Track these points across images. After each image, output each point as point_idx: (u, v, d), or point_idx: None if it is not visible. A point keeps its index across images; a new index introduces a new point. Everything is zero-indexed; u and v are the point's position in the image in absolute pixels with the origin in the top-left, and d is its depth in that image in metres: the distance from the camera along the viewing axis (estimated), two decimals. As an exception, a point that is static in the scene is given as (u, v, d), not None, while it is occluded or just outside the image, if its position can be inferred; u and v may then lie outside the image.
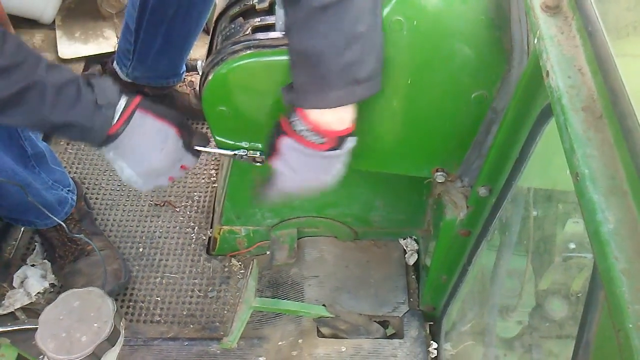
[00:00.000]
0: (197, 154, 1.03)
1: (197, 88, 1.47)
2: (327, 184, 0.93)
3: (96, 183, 1.66)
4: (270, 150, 0.92)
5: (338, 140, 0.86)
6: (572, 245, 1.04)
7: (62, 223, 1.29)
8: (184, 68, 1.71)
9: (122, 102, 0.93)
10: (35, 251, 1.47)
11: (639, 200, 0.51)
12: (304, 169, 0.90)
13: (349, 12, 0.78)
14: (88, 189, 1.63)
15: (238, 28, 1.06)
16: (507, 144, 0.86)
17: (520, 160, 0.85)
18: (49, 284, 1.41)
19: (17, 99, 0.85)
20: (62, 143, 1.74)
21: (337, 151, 0.88)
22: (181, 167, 1.01)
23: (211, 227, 1.57)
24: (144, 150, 0.96)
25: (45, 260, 1.45)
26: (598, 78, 0.62)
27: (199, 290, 1.45)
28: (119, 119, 0.93)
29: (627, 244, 0.50)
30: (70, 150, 1.73)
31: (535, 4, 0.72)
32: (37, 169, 1.29)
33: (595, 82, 0.62)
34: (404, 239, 1.51)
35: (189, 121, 1.05)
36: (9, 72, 0.84)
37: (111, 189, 1.65)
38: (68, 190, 1.40)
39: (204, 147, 1.03)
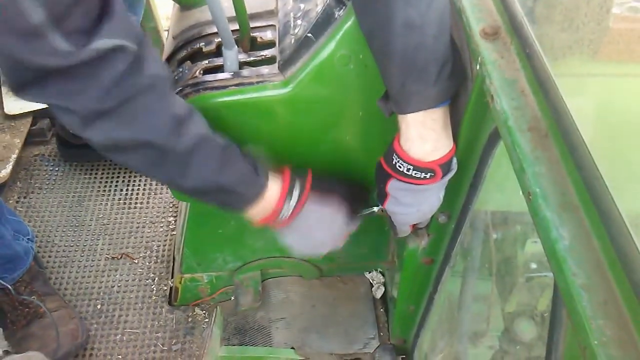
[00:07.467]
0: (360, 218, 1.04)
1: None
2: (438, 205, 0.93)
3: (48, 240, 1.59)
4: (381, 197, 0.91)
5: (443, 169, 0.83)
6: (534, 265, 1.04)
7: (9, 286, 1.22)
8: None
9: (296, 192, 0.93)
10: (-14, 318, 1.39)
11: (591, 214, 0.52)
12: (417, 203, 0.89)
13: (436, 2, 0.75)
14: (40, 247, 1.56)
15: (186, 71, 1.05)
16: (461, 169, 0.87)
17: (474, 184, 0.86)
18: (3, 351, 1.32)
19: (189, 156, 0.81)
20: (10, 200, 1.68)
21: (444, 179, 0.85)
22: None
23: (172, 277, 1.52)
24: (313, 235, 0.99)
25: (-3, 327, 1.37)
26: (540, 98, 0.63)
27: (162, 344, 1.39)
28: (292, 211, 0.92)
29: (584, 258, 0.50)
30: (20, 209, 1.66)
31: (475, 31, 0.74)
32: (1, 219, 1.24)
33: (538, 103, 0.64)
34: (369, 273, 1.49)
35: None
36: (183, 124, 0.79)
37: (65, 246, 1.58)
38: (28, 239, 1.35)
39: (366, 211, 1.04)
